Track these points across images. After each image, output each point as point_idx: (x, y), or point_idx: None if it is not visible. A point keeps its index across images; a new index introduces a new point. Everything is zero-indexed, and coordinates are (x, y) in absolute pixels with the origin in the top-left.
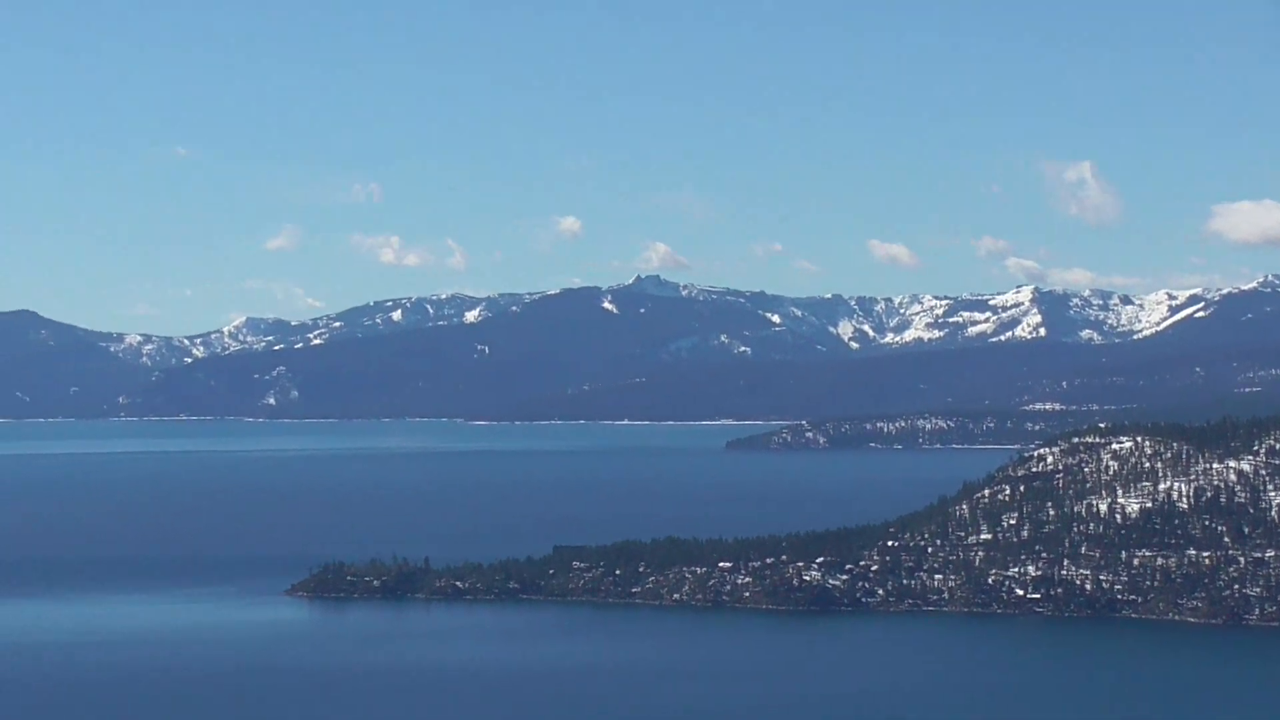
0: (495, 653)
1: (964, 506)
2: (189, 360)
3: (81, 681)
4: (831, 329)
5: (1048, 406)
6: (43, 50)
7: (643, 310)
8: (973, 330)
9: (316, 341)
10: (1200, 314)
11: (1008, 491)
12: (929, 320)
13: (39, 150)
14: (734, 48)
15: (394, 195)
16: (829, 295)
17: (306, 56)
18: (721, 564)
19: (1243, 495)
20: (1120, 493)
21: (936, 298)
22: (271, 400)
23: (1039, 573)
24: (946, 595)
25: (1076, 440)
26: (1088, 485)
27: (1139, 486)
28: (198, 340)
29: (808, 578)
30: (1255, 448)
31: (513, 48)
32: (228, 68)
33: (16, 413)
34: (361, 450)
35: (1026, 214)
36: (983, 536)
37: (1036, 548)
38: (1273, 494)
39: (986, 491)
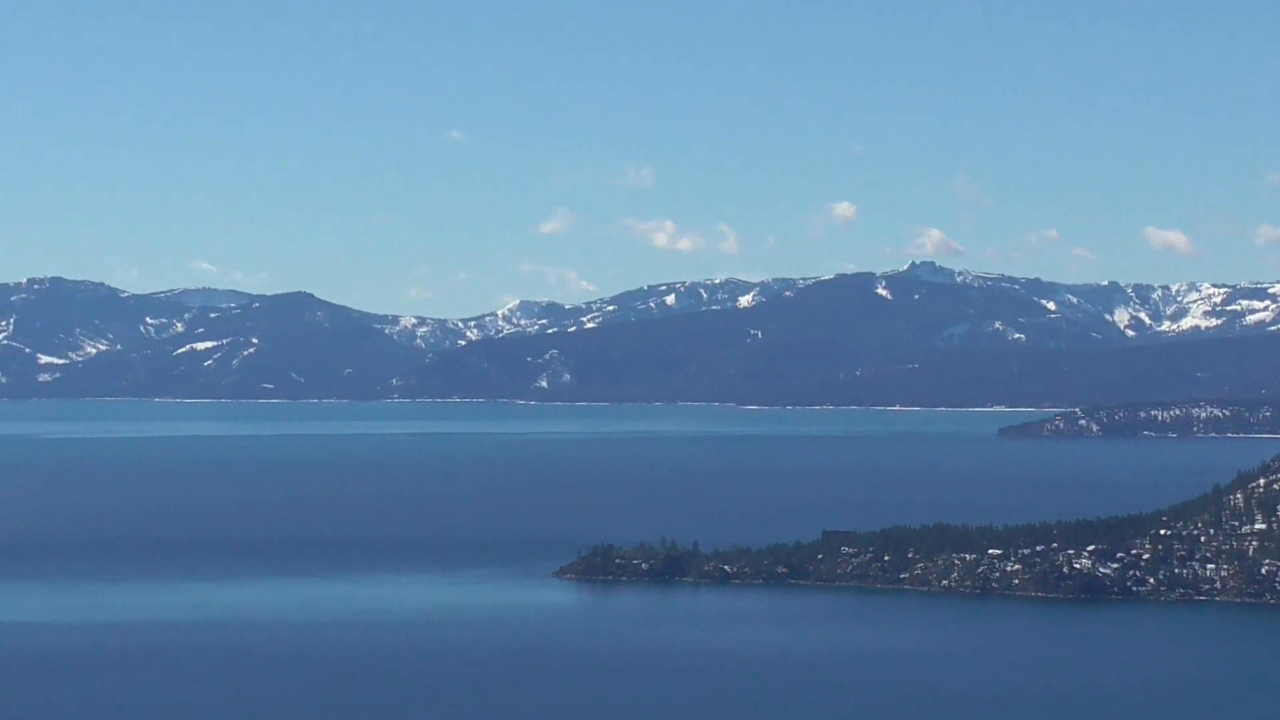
0: (763, 637)
1: (1238, 496)
2: (462, 343)
3: (354, 660)
4: (1107, 316)
5: None
6: (321, 40)
7: (916, 296)
8: (1251, 319)
9: (590, 325)
10: None
11: None
12: (1206, 308)
13: (317, 136)
14: (1011, 37)
15: (667, 180)
16: (1105, 283)
17: (580, 42)
18: (991, 551)
19: None
20: None
21: (1214, 286)
22: (544, 383)
23: None
24: (1218, 585)
25: None
26: None
27: None
28: (471, 323)
29: (1078, 565)
30: None
31: (786, 34)
32: (502, 53)
33: (292, 393)
34: (632, 434)
35: None
36: (1257, 526)
37: None
38: None
39: (1262, 481)
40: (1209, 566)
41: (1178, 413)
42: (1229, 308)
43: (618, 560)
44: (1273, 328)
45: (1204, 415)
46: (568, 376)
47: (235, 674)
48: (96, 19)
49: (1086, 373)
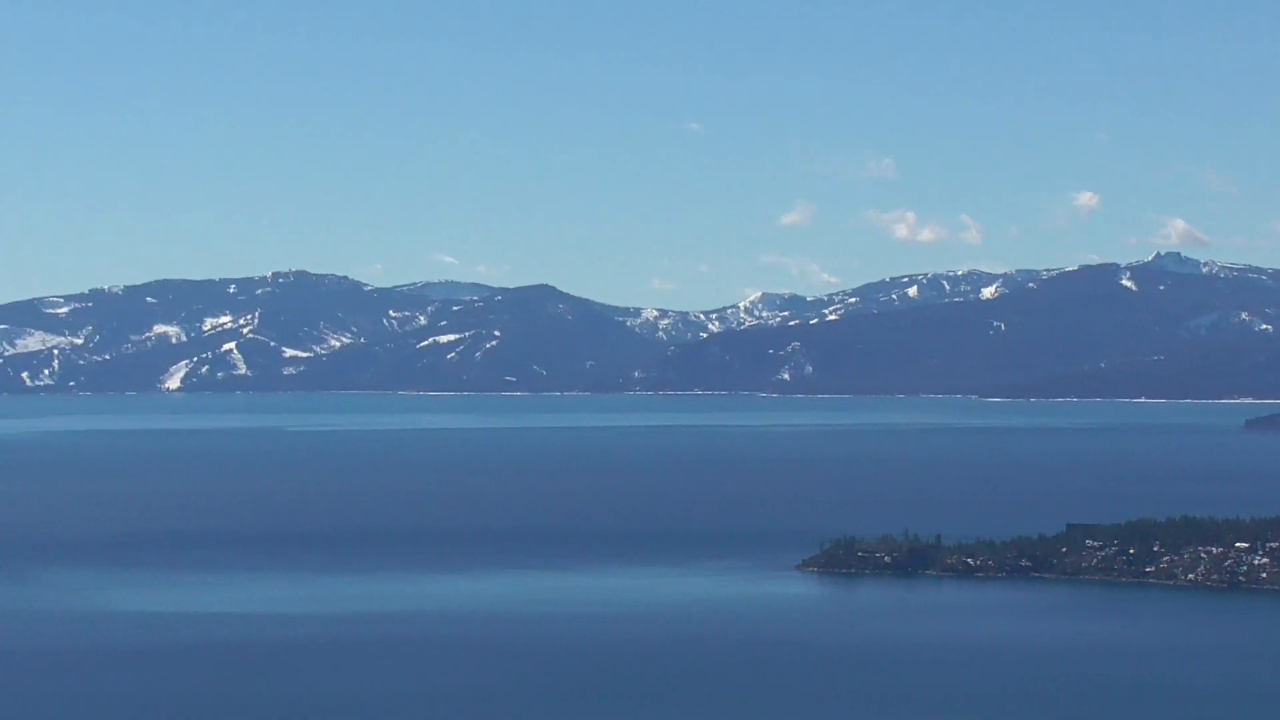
0: (1007, 630)
1: None
2: (704, 335)
3: (598, 652)
4: None
5: None
6: (563, 37)
7: (1162, 287)
8: None
9: (831, 317)
10: None
11: None
12: None
13: (558, 131)
14: (1255, 22)
15: (908, 170)
16: None
17: (818, 33)
18: (1238, 544)
19: None
20: None
21: None
22: (786, 376)
23: None
24: None
25: None
26: None
27: None
28: (713, 315)
29: None
30: None
31: (1024, 21)
32: (740, 46)
33: (533, 386)
34: (874, 426)
35: None
36: None
37: None
38: None
39: None
40: None
41: None
42: None
43: (860, 553)
44: None
45: None
46: (809, 368)
47: (480, 665)
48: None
49: None
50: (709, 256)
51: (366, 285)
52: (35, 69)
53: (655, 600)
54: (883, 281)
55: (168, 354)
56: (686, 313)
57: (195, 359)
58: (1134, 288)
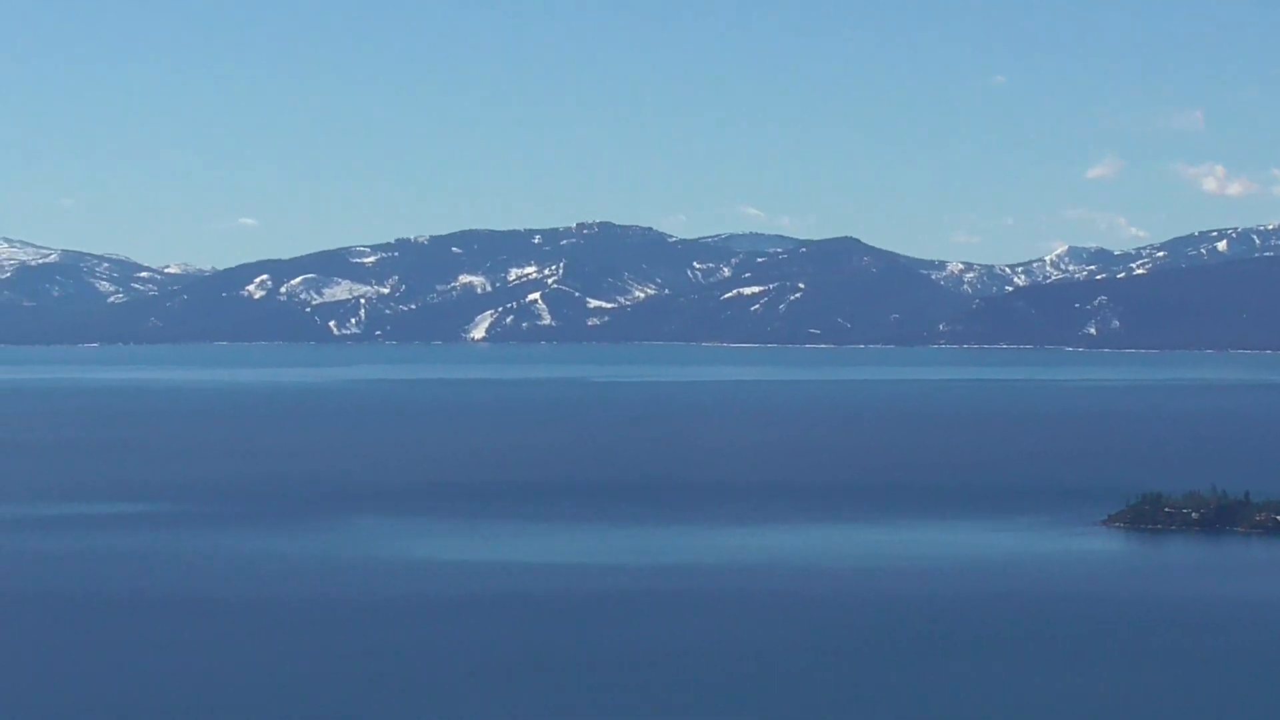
0: None
1: None
2: (1009, 289)
3: (904, 605)
4: None
5: None
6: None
7: None
8: None
9: (1139, 271)
10: None
11: None
12: None
13: (859, 87)
14: None
15: (1217, 122)
16: None
17: None
18: None
19: None
20: None
21: None
22: (1092, 330)
23: None
24: None
25: None
26: None
27: None
28: (1019, 269)
29: None
30: None
31: None
32: None
33: (837, 339)
34: (1182, 381)
35: None
36: None
37: None
38: None
39: None
40: None
41: None
42: None
43: (1167, 509)
44: None
45: None
46: (1116, 323)
47: (786, 618)
48: None
49: None
50: (1014, 209)
51: (671, 237)
52: (344, 31)
53: (962, 555)
54: (1191, 235)
55: (473, 304)
56: (992, 266)
57: (500, 309)
58: None
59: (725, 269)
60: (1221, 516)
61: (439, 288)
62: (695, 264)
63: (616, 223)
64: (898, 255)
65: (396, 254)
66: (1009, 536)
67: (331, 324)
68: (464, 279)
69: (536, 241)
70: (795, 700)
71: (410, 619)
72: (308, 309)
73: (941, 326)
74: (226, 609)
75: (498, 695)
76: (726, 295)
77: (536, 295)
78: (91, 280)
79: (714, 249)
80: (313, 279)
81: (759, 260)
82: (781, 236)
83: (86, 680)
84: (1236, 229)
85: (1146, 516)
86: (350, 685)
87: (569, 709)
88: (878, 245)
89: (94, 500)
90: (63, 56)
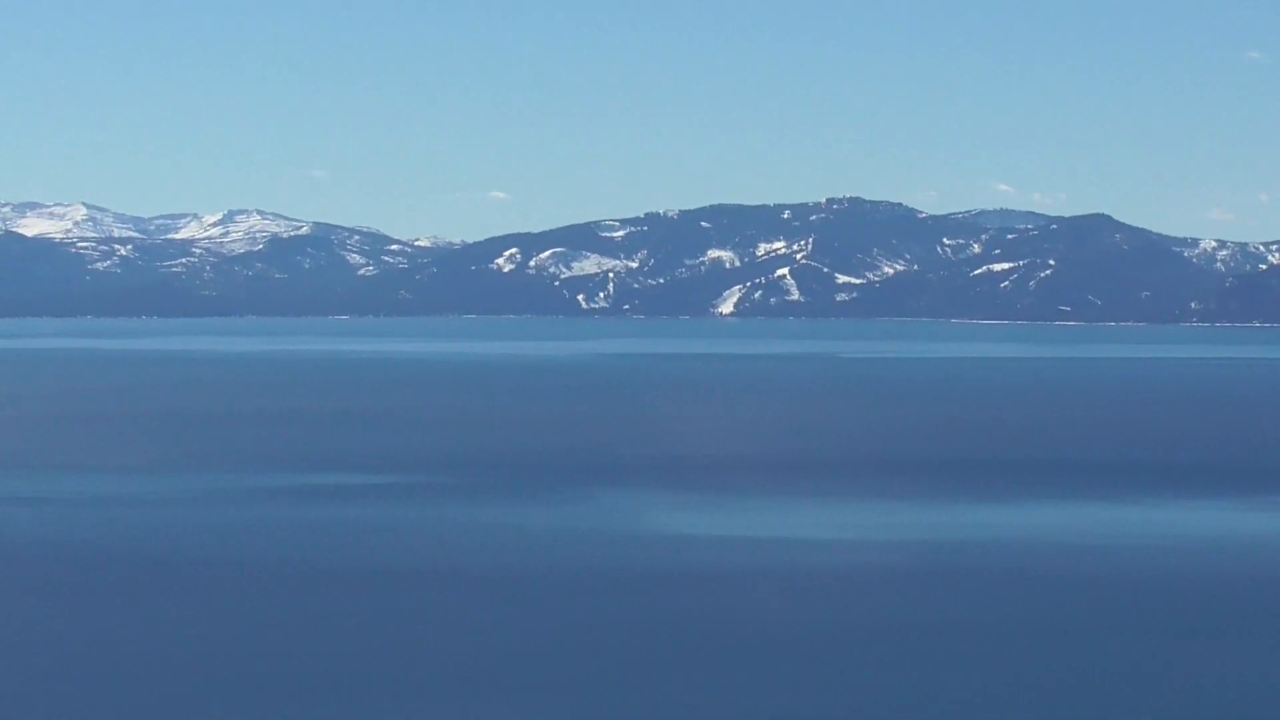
0: None
1: None
2: (1263, 267)
3: (1143, 585)
4: None
5: None
6: None
7: None
8: None
9: None
10: None
11: None
12: None
13: (1115, 56)
14: None
15: None
16: None
17: None
18: None
19: None
20: None
21: None
22: None
23: None
24: None
25: None
26: None
27: None
28: (1273, 246)
29: None
30: None
31: None
32: None
33: (1088, 316)
34: None
35: None
36: None
37: None
38: None
39: None
40: None
41: None
42: None
43: None
44: None
45: None
46: None
47: (1026, 594)
48: None
49: None
50: (1269, 186)
51: (920, 212)
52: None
53: (1206, 534)
54: None
55: (721, 279)
56: (1245, 244)
57: (748, 284)
58: None
59: (975, 245)
60: None
61: (687, 262)
62: (945, 240)
63: (866, 198)
64: (1149, 232)
65: (645, 228)
66: (1258, 516)
67: (580, 298)
68: (712, 254)
69: (786, 217)
70: (1076, 675)
71: (664, 591)
72: (556, 282)
73: (1193, 304)
74: (472, 581)
75: (756, 669)
76: (976, 272)
77: (785, 270)
78: (342, 252)
79: (964, 225)
80: (562, 253)
81: (1009, 237)
82: (1032, 213)
83: (339, 651)
84: None
85: None
86: (603, 656)
87: (832, 681)
88: (1129, 222)
89: (348, 470)
90: (319, 32)
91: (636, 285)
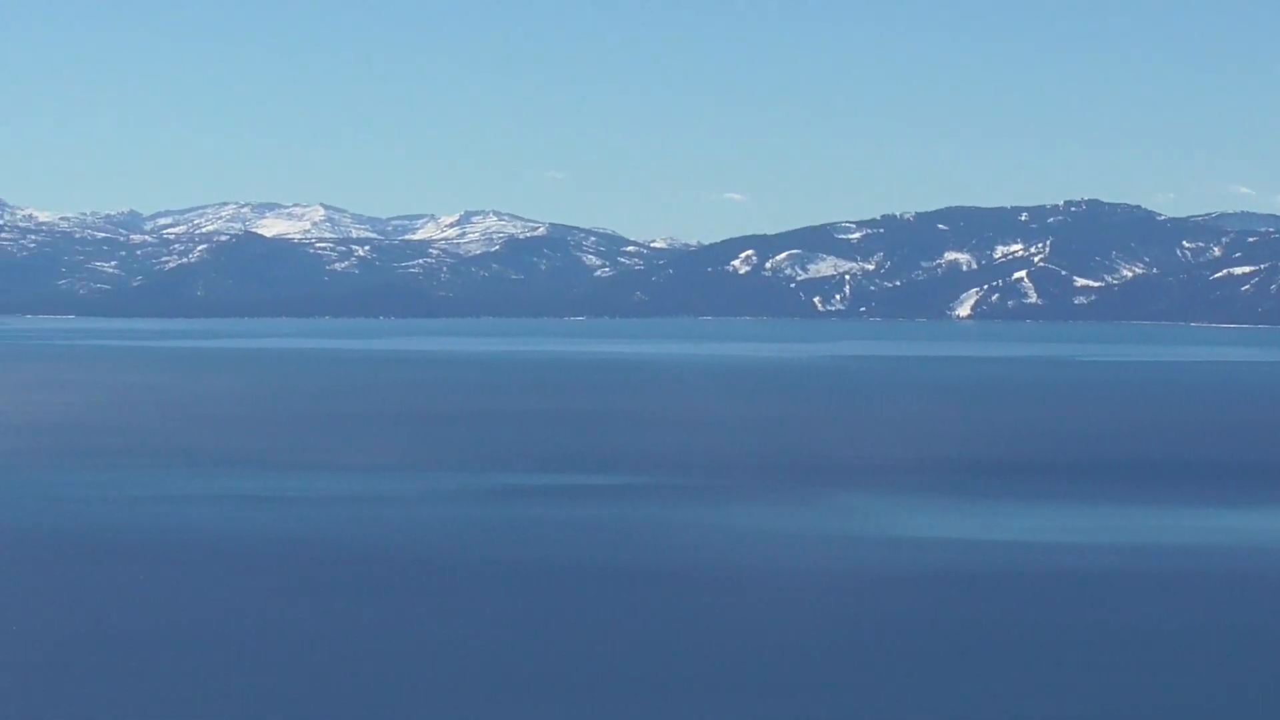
0: None
1: None
2: None
3: None
4: None
5: None
6: None
7: None
8: None
9: None
10: None
11: None
12: None
13: None
14: None
15: None
16: None
17: None
18: None
19: None
20: None
21: None
22: None
23: None
24: None
25: None
26: None
27: None
28: None
29: None
30: None
31: None
32: None
33: None
34: None
35: None
36: None
37: None
38: None
39: None
40: None
41: None
42: None
43: None
44: None
45: None
46: None
47: (1245, 601)
48: None
49: None
50: None
51: (1159, 215)
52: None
53: None
54: None
55: (958, 281)
56: None
57: (985, 287)
58: None
59: (1215, 248)
60: None
61: (924, 264)
62: (1184, 243)
63: (1104, 200)
64: None
65: (882, 230)
66: None
67: (816, 300)
68: (949, 256)
69: (1023, 219)
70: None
71: (901, 592)
72: (792, 284)
73: None
74: (693, 582)
75: (1031, 670)
76: (1216, 275)
77: (1023, 273)
78: (578, 254)
79: (1204, 228)
80: (798, 255)
81: (1250, 240)
82: (1274, 215)
83: (560, 650)
84: None
85: None
86: (847, 657)
87: (1039, 684)
88: None
89: (589, 470)
90: (560, 34)
91: (873, 288)
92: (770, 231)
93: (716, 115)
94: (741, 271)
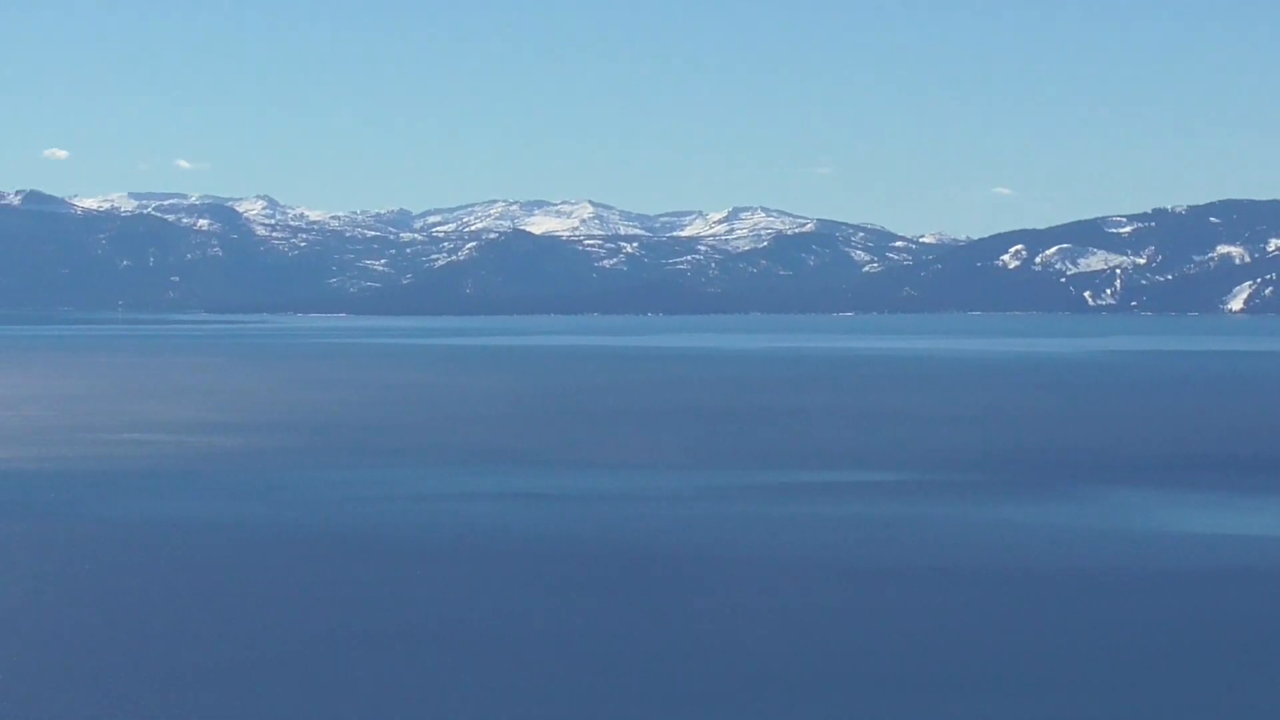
0: None
1: None
2: None
3: None
4: None
5: None
6: None
7: None
8: None
9: None
10: None
11: None
12: None
13: None
14: None
15: None
16: None
17: None
18: None
19: None
20: None
21: None
22: None
23: None
24: None
25: None
26: None
27: None
28: None
29: None
30: None
31: None
32: None
33: None
34: None
35: None
36: None
37: None
38: None
39: None
40: None
41: None
42: None
43: None
44: None
45: None
46: None
47: None
48: None
49: None
50: None
51: None
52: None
53: None
54: None
55: (1231, 275)
56: None
57: (1259, 280)
58: None
59: None
60: None
61: (1195, 258)
62: None
63: None
64: None
65: (1153, 224)
66: None
67: (1086, 294)
68: (1221, 249)
69: None
70: None
71: (1174, 591)
72: (1062, 279)
73: None
74: (959, 578)
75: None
76: None
77: None
78: (846, 249)
79: None
80: (1068, 249)
81: None
82: None
83: (843, 649)
84: None
85: None
86: (1117, 656)
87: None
88: None
89: (862, 467)
90: (814, 36)
91: (1144, 282)
92: (1039, 226)
93: (984, 109)
94: (1011, 266)
